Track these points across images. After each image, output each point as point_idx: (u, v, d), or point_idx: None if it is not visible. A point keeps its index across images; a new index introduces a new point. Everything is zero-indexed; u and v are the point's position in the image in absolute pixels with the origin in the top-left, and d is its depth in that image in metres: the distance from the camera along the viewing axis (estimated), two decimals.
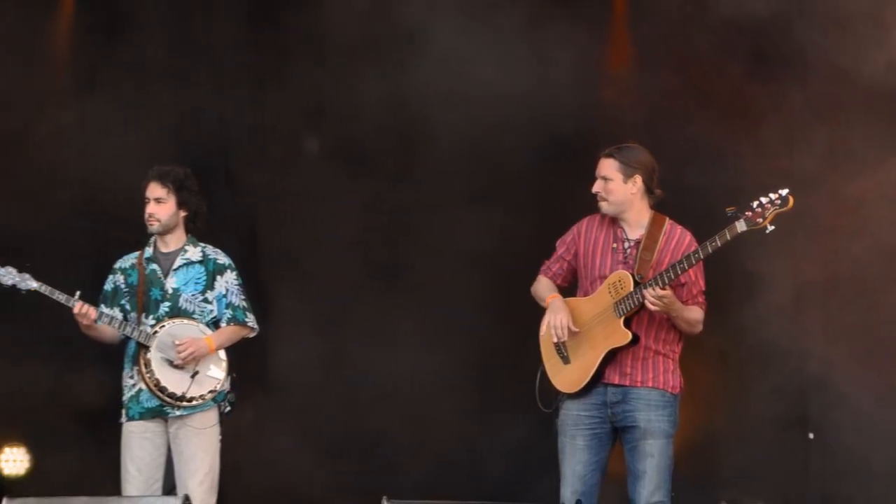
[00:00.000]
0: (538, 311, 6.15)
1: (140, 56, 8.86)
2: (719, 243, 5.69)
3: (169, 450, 6.39)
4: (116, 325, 6.39)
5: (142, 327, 6.36)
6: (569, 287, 6.29)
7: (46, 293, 6.33)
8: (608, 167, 6.01)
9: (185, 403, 6.28)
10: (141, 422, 6.37)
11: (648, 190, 5.99)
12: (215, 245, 6.70)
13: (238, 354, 6.64)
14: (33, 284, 6.34)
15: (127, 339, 6.46)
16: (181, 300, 6.45)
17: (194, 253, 6.56)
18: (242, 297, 6.61)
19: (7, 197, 8.50)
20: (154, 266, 6.50)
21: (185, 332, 6.36)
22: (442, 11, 8.56)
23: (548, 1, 8.78)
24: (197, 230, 6.67)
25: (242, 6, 9.09)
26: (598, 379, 5.92)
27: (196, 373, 6.29)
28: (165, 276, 6.49)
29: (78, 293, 6.30)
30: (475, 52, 8.53)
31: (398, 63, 8.88)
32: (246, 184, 9.12)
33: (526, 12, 8.58)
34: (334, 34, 8.80)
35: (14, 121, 8.57)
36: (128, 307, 6.48)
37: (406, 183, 8.97)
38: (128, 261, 6.61)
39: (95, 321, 6.32)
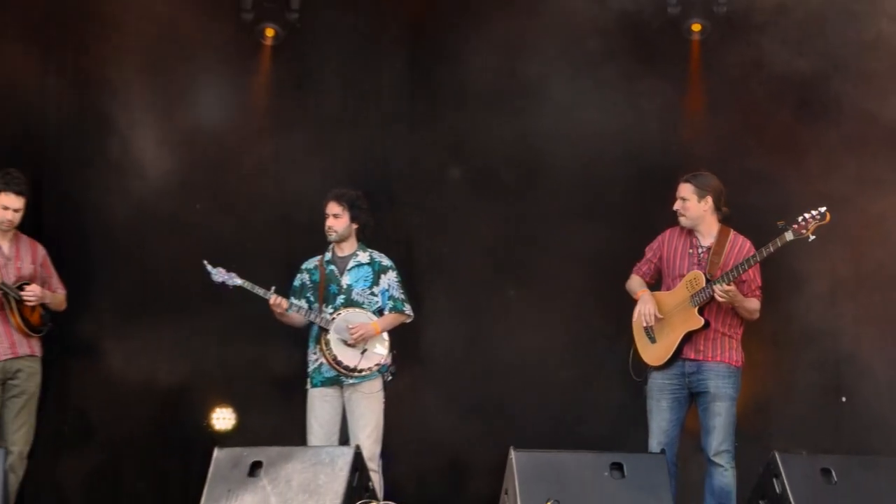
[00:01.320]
0: (631, 303, 7.06)
1: (321, 103, 9.79)
2: (772, 249, 6.45)
3: (343, 410, 7.11)
4: (303, 313, 7.10)
5: (322, 315, 7.06)
6: (654, 284, 7.12)
7: (248, 288, 7.10)
8: (685, 190, 6.82)
9: (356, 374, 7.01)
10: (322, 388, 7.10)
11: (717, 208, 6.81)
12: (380, 251, 7.50)
13: (397, 336, 7.45)
14: (238, 281, 7.13)
15: (311, 324, 7.19)
16: (353, 294, 7.17)
17: (363, 257, 7.30)
18: (401, 291, 7.32)
19: (220, 214, 9.28)
20: (332, 267, 7.25)
21: (357, 318, 7.08)
22: (556, 68, 9.52)
23: (638, 59, 9.57)
24: (365, 239, 7.46)
25: (402, 63, 9.99)
26: (678, 355, 6.71)
27: (365, 350, 7.00)
28: (341, 274, 7.22)
29: (273, 288, 7.11)
30: (582, 100, 9.44)
31: (522, 108, 9.72)
32: (404, 203, 9.95)
33: (622, 69, 9.37)
34: (473, 85, 9.67)
35: (225, 154, 9.51)
36: (311, 299, 7.21)
37: (528, 203, 9.73)
38: (311, 263, 7.38)
39: (286, 310, 7.04)
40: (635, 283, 7.06)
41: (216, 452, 6.15)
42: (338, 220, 7.12)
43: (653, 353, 6.81)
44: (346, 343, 6.91)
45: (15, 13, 8.99)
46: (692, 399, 6.78)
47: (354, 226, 7.20)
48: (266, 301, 6.99)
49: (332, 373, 6.97)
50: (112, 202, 9.32)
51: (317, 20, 9.82)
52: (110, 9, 9.15)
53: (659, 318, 6.75)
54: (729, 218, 6.93)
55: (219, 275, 7.05)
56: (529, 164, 10.03)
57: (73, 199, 9.41)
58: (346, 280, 7.15)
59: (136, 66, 9.41)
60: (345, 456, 5.84)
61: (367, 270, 7.22)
